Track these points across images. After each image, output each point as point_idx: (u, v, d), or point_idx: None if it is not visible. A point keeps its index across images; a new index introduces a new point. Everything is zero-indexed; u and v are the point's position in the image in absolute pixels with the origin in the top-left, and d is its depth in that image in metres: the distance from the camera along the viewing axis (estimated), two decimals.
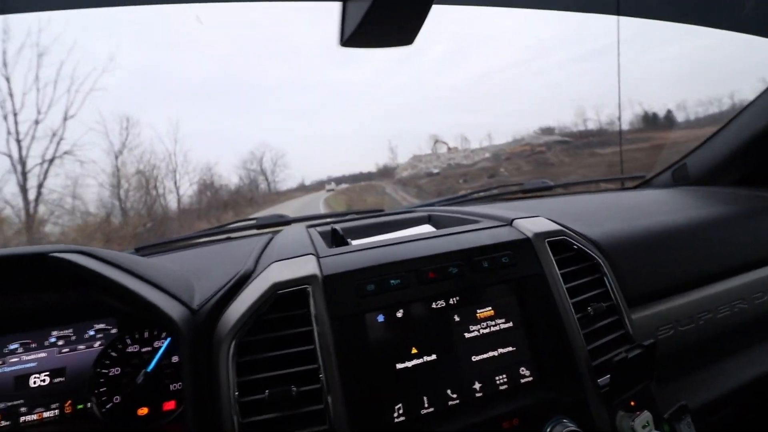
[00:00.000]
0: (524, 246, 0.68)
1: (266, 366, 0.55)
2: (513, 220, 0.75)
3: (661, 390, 0.78)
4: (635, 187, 1.62)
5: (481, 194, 1.50)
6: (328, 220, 1.32)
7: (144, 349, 0.72)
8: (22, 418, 0.68)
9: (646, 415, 0.60)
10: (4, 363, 0.70)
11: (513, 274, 0.65)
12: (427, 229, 0.94)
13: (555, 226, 0.73)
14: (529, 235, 0.70)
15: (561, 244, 0.71)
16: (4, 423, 0.68)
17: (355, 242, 0.77)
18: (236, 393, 0.53)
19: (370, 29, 0.68)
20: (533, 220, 0.75)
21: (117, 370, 0.70)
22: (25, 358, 0.70)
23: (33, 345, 0.71)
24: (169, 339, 0.72)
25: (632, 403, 0.64)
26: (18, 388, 0.69)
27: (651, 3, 1.01)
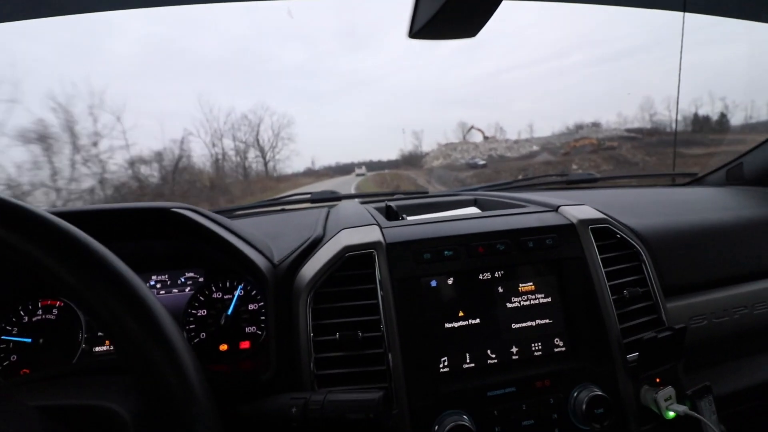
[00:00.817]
0: (568, 231, 0.74)
1: (336, 314, 0.65)
2: (559, 206, 0.81)
3: (691, 378, 0.82)
4: (686, 184, 1.60)
5: (525, 182, 1.54)
6: (378, 198, 1.41)
7: (226, 296, 0.85)
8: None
9: (669, 390, 0.66)
10: None
11: (555, 254, 0.72)
12: (474, 210, 1.00)
13: (599, 215, 0.79)
14: (574, 221, 0.76)
15: (603, 231, 0.77)
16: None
17: (410, 218, 0.86)
18: (311, 334, 0.64)
19: (440, 23, 0.75)
20: (579, 208, 0.80)
21: (203, 312, 0.83)
22: None
23: None
24: (240, 287, 0.85)
25: (657, 380, 0.69)
26: None
27: None
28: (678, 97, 1.73)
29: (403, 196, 1.38)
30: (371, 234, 0.70)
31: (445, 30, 0.81)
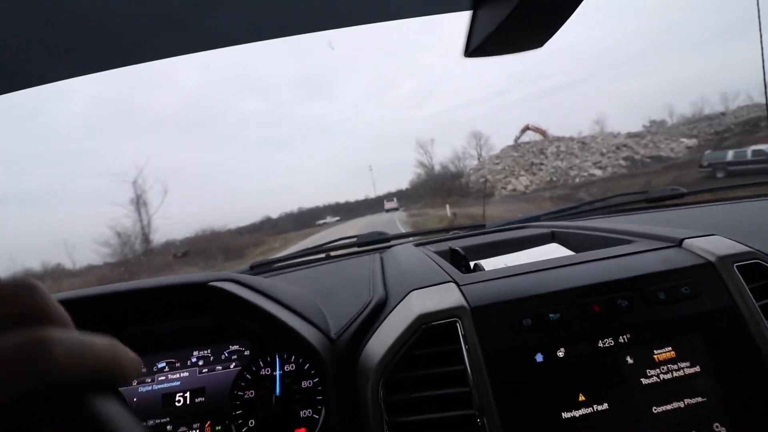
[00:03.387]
0: (707, 272, 0.56)
1: (417, 408, 0.51)
2: (682, 240, 0.63)
3: None
4: None
5: (598, 205, 1.34)
6: (432, 238, 1.27)
7: (275, 373, 0.73)
8: None
9: None
10: (153, 381, 0.75)
11: (697, 307, 0.54)
12: (559, 249, 0.84)
13: (742, 248, 0.60)
14: (711, 258, 0.58)
15: (753, 268, 0.58)
16: None
17: (485, 265, 0.71)
18: None
19: (502, 37, 0.63)
20: (710, 240, 0.62)
21: (251, 393, 0.71)
22: (170, 376, 0.74)
23: (177, 364, 0.75)
24: (278, 361, 0.72)
25: None
26: (165, 406, 0.72)
27: None
28: (766, 92, 1.50)
29: (461, 232, 1.24)
30: (449, 295, 0.56)
31: (506, 44, 0.69)
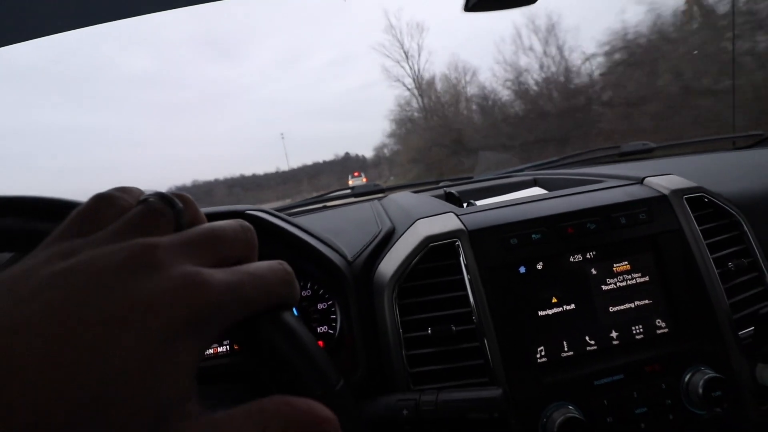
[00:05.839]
0: (661, 203, 0.69)
1: (424, 308, 0.62)
2: (644, 178, 0.75)
3: None
4: (752, 146, 1.49)
5: (574, 158, 1.46)
6: (425, 188, 1.37)
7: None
8: (206, 351, 0.83)
9: None
10: None
11: (650, 230, 0.67)
12: (540, 191, 0.95)
13: (691, 183, 0.72)
14: (665, 192, 0.70)
15: (698, 201, 0.71)
16: None
17: (479, 203, 0.82)
18: (401, 330, 0.61)
19: None
20: (667, 178, 0.74)
21: None
22: None
23: None
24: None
25: None
26: None
27: None
28: (733, 57, 1.61)
29: (450, 182, 1.34)
30: (450, 222, 0.67)
31: None
